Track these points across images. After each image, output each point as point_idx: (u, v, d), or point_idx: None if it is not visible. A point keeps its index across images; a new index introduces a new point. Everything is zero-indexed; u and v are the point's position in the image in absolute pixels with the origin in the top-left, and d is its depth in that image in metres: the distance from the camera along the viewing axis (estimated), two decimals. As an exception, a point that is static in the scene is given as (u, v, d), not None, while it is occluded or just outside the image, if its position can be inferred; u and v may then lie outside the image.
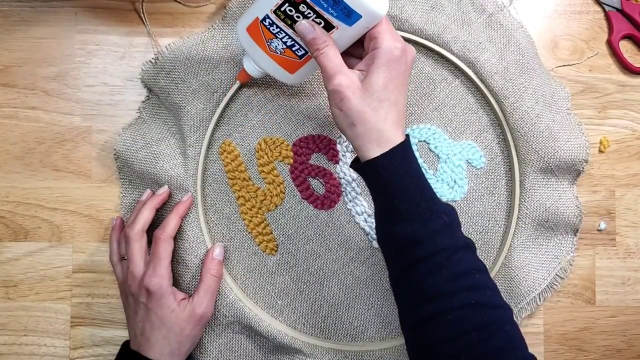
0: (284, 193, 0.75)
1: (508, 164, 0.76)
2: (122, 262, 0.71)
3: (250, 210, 0.75)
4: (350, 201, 0.75)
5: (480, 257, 0.74)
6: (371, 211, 0.75)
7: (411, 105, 0.76)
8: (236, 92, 0.74)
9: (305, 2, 0.59)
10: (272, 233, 0.75)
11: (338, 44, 0.61)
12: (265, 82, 0.75)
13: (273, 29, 0.63)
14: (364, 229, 0.75)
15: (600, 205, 0.80)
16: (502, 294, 0.72)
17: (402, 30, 0.74)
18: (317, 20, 0.60)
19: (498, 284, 0.73)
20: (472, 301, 0.57)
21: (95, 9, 0.77)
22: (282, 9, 0.60)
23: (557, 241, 0.76)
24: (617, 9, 0.80)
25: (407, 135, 0.61)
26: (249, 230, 0.75)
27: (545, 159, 0.74)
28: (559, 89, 0.77)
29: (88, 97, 0.77)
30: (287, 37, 0.63)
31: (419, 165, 0.61)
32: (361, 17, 0.59)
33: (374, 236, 0.75)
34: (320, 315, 0.75)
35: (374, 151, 0.59)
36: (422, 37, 0.74)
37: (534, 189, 0.74)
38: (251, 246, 0.75)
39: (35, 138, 0.76)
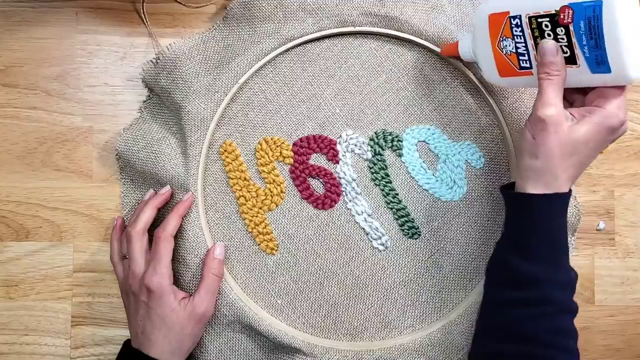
0: (284, 193, 0.75)
1: (507, 164, 0.76)
2: (123, 262, 0.71)
3: (251, 209, 0.75)
4: (350, 201, 0.75)
5: (479, 256, 0.75)
6: (371, 211, 0.75)
7: (411, 106, 0.76)
8: (237, 92, 0.74)
9: (568, 28, 0.57)
10: (272, 233, 0.75)
11: (567, 81, 0.60)
12: (266, 82, 0.75)
13: (515, 30, 0.61)
14: (364, 229, 0.75)
15: (600, 205, 0.80)
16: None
17: (402, 32, 0.74)
18: (564, 48, 0.58)
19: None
20: None
21: (96, 9, 0.77)
22: (540, 19, 0.59)
23: None
24: (617, 10, 0.80)
25: (570, 190, 0.62)
26: (250, 230, 0.75)
27: None
28: None
29: (89, 97, 0.77)
30: (523, 44, 0.61)
31: (567, 219, 0.63)
32: (610, 72, 0.57)
33: (374, 236, 0.75)
34: (320, 315, 0.76)
35: (538, 189, 0.60)
36: (422, 38, 0.74)
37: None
38: (251, 246, 0.75)
39: (37, 138, 0.76)
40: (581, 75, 0.59)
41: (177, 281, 0.72)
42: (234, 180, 0.75)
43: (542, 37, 0.59)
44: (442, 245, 0.76)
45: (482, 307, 0.68)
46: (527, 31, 0.60)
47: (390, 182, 0.75)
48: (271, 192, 0.75)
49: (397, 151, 0.75)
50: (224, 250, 0.73)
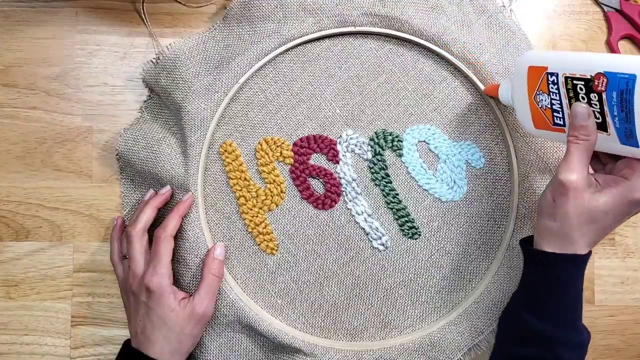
0: (284, 193, 0.75)
1: (507, 164, 0.76)
2: (123, 262, 0.71)
3: (251, 210, 0.75)
4: (350, 201, 0.75)
5: (479, 256, 0.75)
6: (371, 211, 0.75)
7: (411, 106, 0.76)
8: (237, 92, 0.74)
9: (601, 96, 0.56)
10: (272, 233, 0.75)
11: (597, 145, 0.59)
12: (266, 82, 0.75)
13: (551, 87, 0.60)
14: (364, 229, 0.75)
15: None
16: (501, 294, 0.73)
17: (402, 32, 0.74)
18: (597, 114, 0.57)
19: (497, 283, 0.74)
20: None
21: (96, 9, 0.77)
22: (575, 82, 0.58)
23: None
24: (616, 10, 0.80)
25: (590, 252, 0.61)
26: (250, 230, 0.75)
27: (544, 160, 0.74)
28: None
29: (89, 97, 0.77)
30: (558, 102, 0.60)
31: (583, 280, 0.62)
32: (638, 147, 0.55)
33: (374, 236, 0.75)
34: (320, 315, 0.76)
35: (553, 248, 0.61)
36: (422, 39, 0.74)
37: (533, 189, 0.74)
38: (251, 246, 0.75)
39: (36, 138, 0.76)
40: (611, 143, 0.58)
41: (177, 281, 0.72)
42: (234, 180, 0.75)
43: (577, 99, 0.58)
44: (442, 245, 0.76)
45: (492, 358, 0.69)
46: (563, 90, 0.59)
47: (391, 182, 0.75)
48: (271, 192, 0.75)
49: (398, 151, 0.75)
50: (224, 251, 0.73)
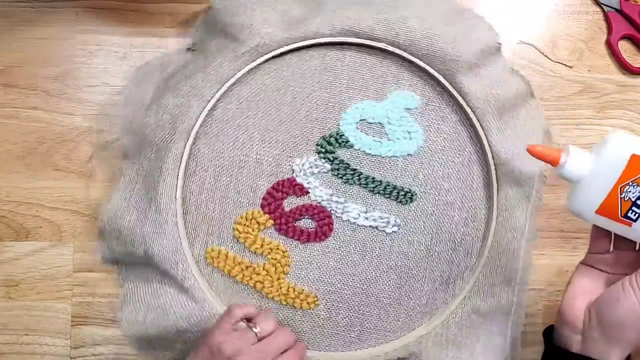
0: (286, 252, 0.75)
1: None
2: (240, 325, 0.67)
3: (272, 285, 0.74)
4: (342, 213, 0.75)
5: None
6: (364, 208, 0.75)
7: (329, 100, 0.76)
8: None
9: None
10: (304, 291, 0.75)
11: None
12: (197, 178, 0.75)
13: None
14: (371, 225, 0.75)
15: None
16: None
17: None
18: None
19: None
20: None
21: (96, 9, 0.77)
22: None
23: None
24: (616, 10, 0.80)
25: None
26: (284, 303, 0.74)
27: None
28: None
29: (89, 97, 0.77)
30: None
31: None
32: None
33: (382, 225, 0.75)
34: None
35: (571, 345, 0.60)
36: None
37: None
38: (297, 312, 0.75)
39: (36, 138, 0.76)
40: None
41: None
42: (239, 275, 0.74)
43: None
44: (437, 188, 0.75)
45: None
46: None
47: (361, 173, 0.75)
48: (276, 259, 0.75)
49: (346, 144, 0.75)
50: None
